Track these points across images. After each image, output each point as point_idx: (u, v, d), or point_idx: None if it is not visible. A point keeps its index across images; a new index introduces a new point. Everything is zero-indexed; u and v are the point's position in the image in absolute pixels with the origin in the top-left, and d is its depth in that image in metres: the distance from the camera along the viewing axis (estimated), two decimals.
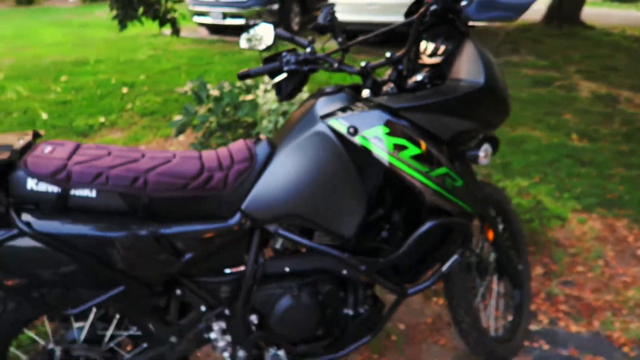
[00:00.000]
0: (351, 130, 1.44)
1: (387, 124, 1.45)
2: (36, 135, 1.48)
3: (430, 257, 1.63)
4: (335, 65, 1.60)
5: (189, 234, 1.41)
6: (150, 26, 6.04)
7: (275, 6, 9.05)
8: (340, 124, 1.45)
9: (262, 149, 1.52)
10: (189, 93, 3.35)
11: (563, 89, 5.87)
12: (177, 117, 3.47)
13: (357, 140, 1.45)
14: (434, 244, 1.62)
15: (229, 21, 9.08)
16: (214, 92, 3.38)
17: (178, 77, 6.36)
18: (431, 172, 1.47)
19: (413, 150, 1.45)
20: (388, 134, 1.45)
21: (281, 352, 1.60)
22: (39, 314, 1.48)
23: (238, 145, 1.55)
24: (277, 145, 1.53)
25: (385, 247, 1.61)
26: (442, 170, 1.49)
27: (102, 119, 4.85)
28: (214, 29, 9.75)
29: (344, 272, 1.59)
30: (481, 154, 1.55)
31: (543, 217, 2.53)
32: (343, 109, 1.49)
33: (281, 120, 3.04)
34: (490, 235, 1.89)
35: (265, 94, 3.05)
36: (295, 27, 9.39)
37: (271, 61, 1.64)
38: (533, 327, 2.20)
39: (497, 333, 2.04)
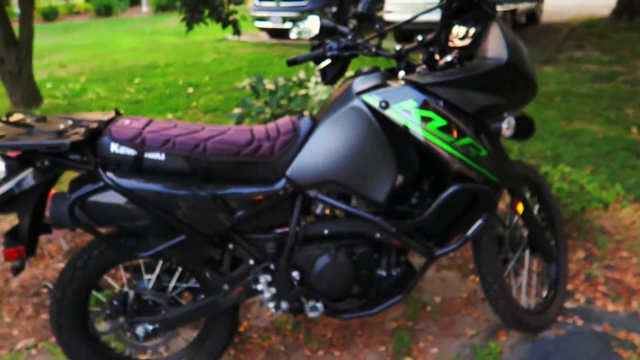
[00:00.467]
0: (383, 104, 1.62)
1: (416, 98, 1.62)
2: (117, 113, 1.77)
3: (457, 223, 1.77)
4: (373, 50, 1.78)
5: (240, 195, 1.64)
6: (215, 32, 6.45)
7: (334, 9, 9.32)
8: (373, 99, 1.63)
9: (304, 123, 1.73)
10: (247, 88, 3.64)
11: (627, 83, 5.68)
12: (236, 110, 3.77)
13: (388, 113, 1.62)
14: (460, 210, 1.75)
15: (289, 25, 9.44)
16: (270, 86, 3.65)
17: (239, 77, 6.73)
18: (456, 142, 1.62)
19: (439, 122, 1.61)
20: (417, 107, 1.61)
21: (319, 305, 1.80)
22: (116, 262, 1.75)
23: (284, 120, 1.76)
24: (318, 120, 1.73)
25: (415, 211, 1.76)
26: (466, 140, 1.63)
27: (169, 116, 5.27)
28: (274, 32, 10.16)
29: (377, 235, 1.76)
30: (504, 125, 1.66)
31: (583, 201, 2.56)
32: (377, 86, 1.67)
33: None
34: (520, 209, 1.99)
35: (316, 86, 3.27)
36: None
37: (317, 49, 1.85)
38: (569, 304, 2.25)
39: (529, 306, 2.12)
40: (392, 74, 1.80)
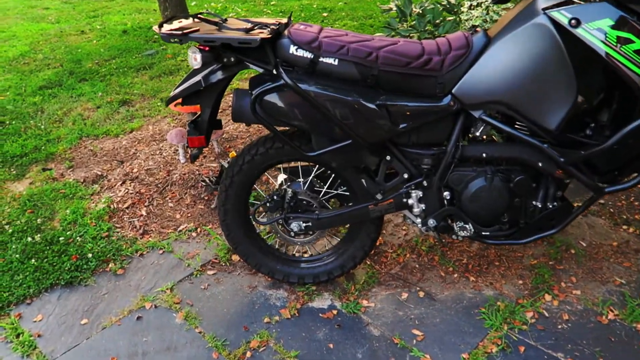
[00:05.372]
0: (573, 22, 1.49)
1: (613, 16, 1.46)
2: (290, 18, 1.83)
3: (636, 160, 1.63)
4: None
5: (405, 107, 1.65)
6: None
7: None
8: (562, 16, 1.50)
9: (478, 39, 1.66)
10: (394, 9, 3.54)
11: None
12: (379, 34, 3.70)
13: (579, 32, 1.49)
14: None
15: None
16: (416, 10, 3.51)
17: (374, 4, 6.58)
18: None
19: (639, 44, 1.45)
20: (613, 26, 1.46)
21: (469, 225, 1.80)
22: (280, 160, 1.88)
23: (456, 35, 1.70)
24: (492, 36, 1.65)
25: (589, 142, 1.65)
26: None
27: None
28: None
29: (540, 164, 1.69)
30: None
31: None
32: (566, 2, 1.53)
33: None
34: None
35: (470, 11, 3.09)
36: None
37: None
38: None
39: None
40: None
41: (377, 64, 1.62)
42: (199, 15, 1.73)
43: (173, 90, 1.78)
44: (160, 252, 2.30)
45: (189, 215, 2.55)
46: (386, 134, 1.68)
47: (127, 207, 2.60)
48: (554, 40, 1.54)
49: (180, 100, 1.78)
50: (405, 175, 1.79)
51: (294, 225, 1.91)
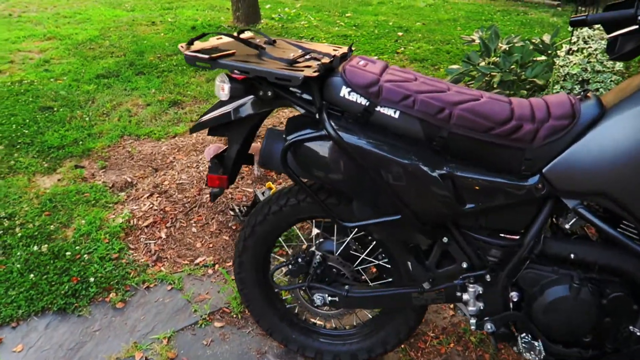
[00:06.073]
0: None
1: None
2: (351, 50, 1.50)
3: None
4: None
5: (479, 182, 1.28)
6: None
7: None
8: None
9: (589, 108, 1.26)
10: (477, 41, 3.14)
11: None
12: (455, 66, 3.31)
13: None
14: None
15: None
16: (503, 46, 3.10)
17: (454, 28, 6.15)
18: None
19: None
20: None
21: (538, 343, 1.40)
22: (311, 217, 1.56)
23: (559, 98, 1.31)
24: (609, 107, 1.25)
25: None
26: None
27: (375, 58, 5.00)
28: None
29: None
30: None
31: None
32: None
33: (578, 89, 2.62)
34: None
35: (567, 56, 2.65)
36: None
37: (621, 7, 1.32)
38: None
39: None
40: None
41: (449, 125, 1.26)
42: (238, 36, 1.44)
43: (201, 117, 1.50)
44: (169, 288, 2.03)
45: (211, 246, 2.27)
46: (447, 213, 1.31)
47: (146, 226, 2.36)
48: None
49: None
50: (464, 265, 1.42)
51: (318, 298, 1.57)
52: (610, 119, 1.22)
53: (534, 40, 3.06)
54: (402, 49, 5.35)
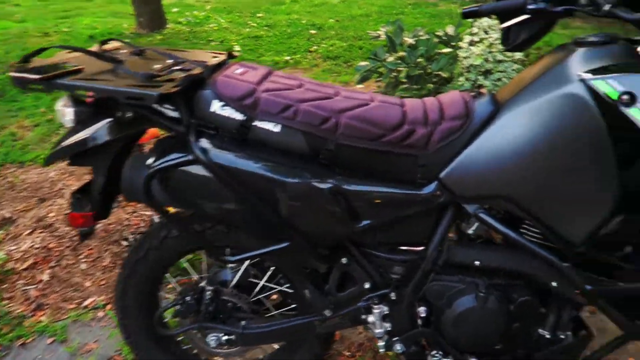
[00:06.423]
0: (625, 97, 1.00)
1: None
2: (230, 56, 1.32)
3: None
4: (606, 7, 1.13)
5: (372, 195, 1.14)
6: None
7: None
8: (609, 87, 1.01)
9: (482, 106, 1.16)
10: (382, 37, 3.06)
11: None
12: (363, 63, 3.22)
13: (631, 112, 1.00)
14: None
15: None
16: (408, 40, 3.04)
17: (366, 24, 6.12)
18: None
19: None
20: None
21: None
22: (197, 248, 1.38)
23: (451, 97, 1.21)
24: (503, 104, 1.16)
25: (627, 266, 1.16)
26: None
27: (287, 57, 4.85)
28: None
29: (554, 284, 1.20)
30: None
31: None
32: (614, 67, 1.05)
33: (482, 80, 2.60)
34: None
35: (470, 47, 2.62)
36: None
37: None
38: None
39: None
40: (634, 47, 1.15)
41: (335, 135, 1.12)
42: (99, 47, 1.22)
43: (58, 143, 1.26)
44: (50, 341, 1.75)
45: (103, 283, 2.01)
46: (341, 233, 1.18)
47: (25, 269, 2.06)
48: (592, 120, 1.04)
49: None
50: (367, 285, 1.28)
51: (212, 339, 1.38)
52: (503, 116, 1.13)
53: (438, 33, 3.02)
54: (315, 47, 5.23)
